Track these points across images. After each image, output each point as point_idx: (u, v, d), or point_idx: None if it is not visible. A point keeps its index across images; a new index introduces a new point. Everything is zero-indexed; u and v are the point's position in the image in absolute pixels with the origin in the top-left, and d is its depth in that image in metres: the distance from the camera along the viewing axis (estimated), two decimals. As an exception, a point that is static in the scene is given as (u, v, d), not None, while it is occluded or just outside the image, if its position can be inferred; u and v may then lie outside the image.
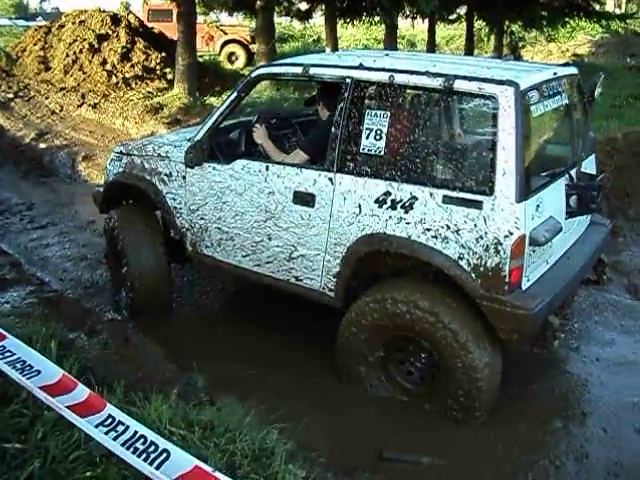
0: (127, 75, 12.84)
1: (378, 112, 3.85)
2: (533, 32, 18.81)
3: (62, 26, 13.81)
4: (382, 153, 3.84)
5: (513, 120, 3.47)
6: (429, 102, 3.85)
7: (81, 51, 13.09)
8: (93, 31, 13.24)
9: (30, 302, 4.98)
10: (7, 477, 2.30)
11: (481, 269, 3.57)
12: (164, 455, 2.10)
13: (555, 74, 4.04)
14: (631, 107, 10.78)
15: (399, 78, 3.81)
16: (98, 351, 3.80)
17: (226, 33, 19.89)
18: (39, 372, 2.54)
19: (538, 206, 3.67)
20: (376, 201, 3.83)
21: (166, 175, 4.81)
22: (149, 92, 12.36)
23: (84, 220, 7.59)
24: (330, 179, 3.99)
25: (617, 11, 25.13)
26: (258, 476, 2.35)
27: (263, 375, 4.29)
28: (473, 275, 3.60)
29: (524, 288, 3.69)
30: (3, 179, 9.31)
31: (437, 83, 3.68)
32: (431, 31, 17.20)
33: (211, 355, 4.49)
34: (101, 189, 5.57)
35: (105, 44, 13.18)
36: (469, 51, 17.28)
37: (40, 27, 14.70)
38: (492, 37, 18.07)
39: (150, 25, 15.67)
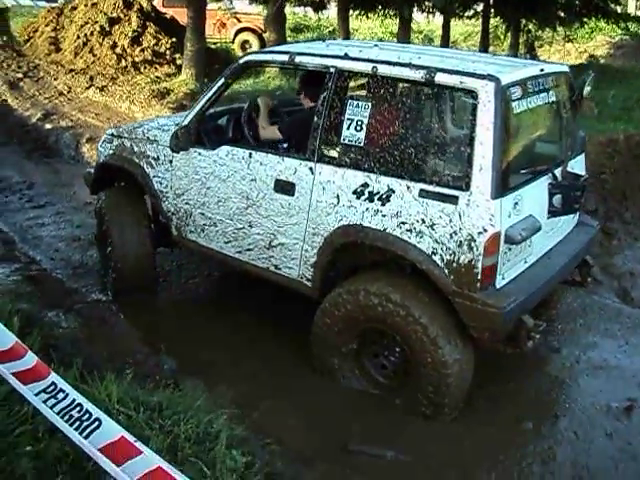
0: (136, 59, 12.82)
1: (360, 103, 3.82)
2: (549, 31, 18.54)
3: (75, 8, 13.80)
4: (362, 144, 3.81)
5: (492, 115, 3.42)
6: (410, 94, 3.81)
7: (92, 33, 13.06)
8: (105, 14, 13.18)
9: (15, 279, 5.01)
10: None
11: (454, 265, 3.54)
12: (96, 423, 2.15)
13: (542, 70, 3.98)
14: (642, 110, 10.63)
15: (382, 69, 3.78)
16: (69, 330, 3.81)
17: (240, 21, 19.79)
18: (-9, 339, 2.56)
19: (516, 204, 3.62)
20: (354, 192, 3.81)
21: (154, 159, 4.81)
22: (157, 77, 12.33)
23: (81, 201, 7.60)
24: (310, 168, 3.97)
25: (639, 13, 24.71)
26: (198, 459, 2.35)
27: (238, 360, 4.30)
28: (446, 271, 3.57)
29: (498, 286, 3.64)
30: (6, 158, 9.32)
31: (419, 75, 3.64)
32: (446, 27, 17.02)
33: (189, 338, 4.52)
34: (92, 170, 5.60)
35: (116, 27, 13.12)
36: (484, 48, 17.07)
37: (53, 8, 14.72)
38: (509, 35, 17.87)
39: (165, 10, 15.60)
